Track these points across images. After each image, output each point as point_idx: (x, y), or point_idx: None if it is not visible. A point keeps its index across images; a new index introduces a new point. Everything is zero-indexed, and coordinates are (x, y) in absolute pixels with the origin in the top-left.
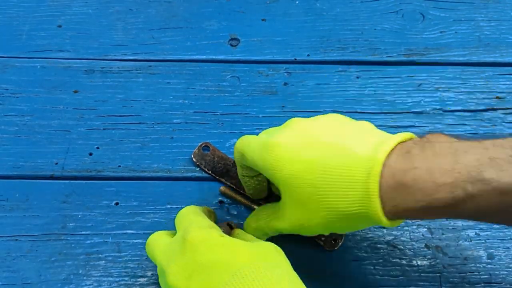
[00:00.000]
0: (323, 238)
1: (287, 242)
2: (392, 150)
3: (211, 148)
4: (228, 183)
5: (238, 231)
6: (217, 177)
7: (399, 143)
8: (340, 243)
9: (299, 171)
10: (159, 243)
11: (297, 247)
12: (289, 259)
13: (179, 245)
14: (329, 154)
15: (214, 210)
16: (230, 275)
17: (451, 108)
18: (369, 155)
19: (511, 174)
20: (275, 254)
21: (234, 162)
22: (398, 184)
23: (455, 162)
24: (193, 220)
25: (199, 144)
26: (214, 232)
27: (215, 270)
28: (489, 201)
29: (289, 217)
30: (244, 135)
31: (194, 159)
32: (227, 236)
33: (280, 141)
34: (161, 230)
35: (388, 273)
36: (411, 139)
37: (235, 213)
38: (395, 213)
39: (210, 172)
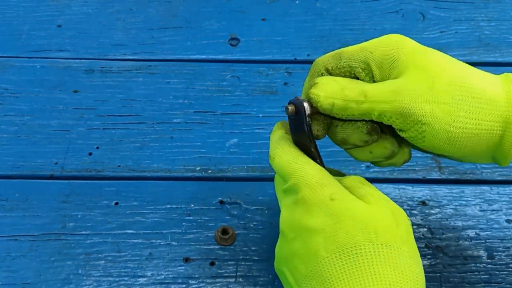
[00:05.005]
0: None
1: None
2: None
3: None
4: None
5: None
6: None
7: None
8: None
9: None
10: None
11: None
12: None
13: (292, 201)
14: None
15: (214, 210)
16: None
17: None
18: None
19: None
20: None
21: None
22: None
23: None
24: (296, 169)
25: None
26: (327, 191)
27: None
28: None
29: (401, 82)
30: (244, 135)
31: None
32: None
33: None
34: (162, 229)
35: None
36: None
37: (235, 213)
38: None
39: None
